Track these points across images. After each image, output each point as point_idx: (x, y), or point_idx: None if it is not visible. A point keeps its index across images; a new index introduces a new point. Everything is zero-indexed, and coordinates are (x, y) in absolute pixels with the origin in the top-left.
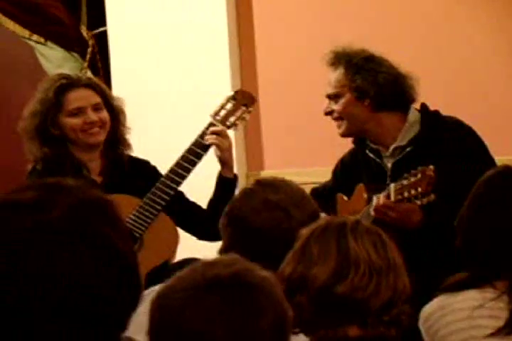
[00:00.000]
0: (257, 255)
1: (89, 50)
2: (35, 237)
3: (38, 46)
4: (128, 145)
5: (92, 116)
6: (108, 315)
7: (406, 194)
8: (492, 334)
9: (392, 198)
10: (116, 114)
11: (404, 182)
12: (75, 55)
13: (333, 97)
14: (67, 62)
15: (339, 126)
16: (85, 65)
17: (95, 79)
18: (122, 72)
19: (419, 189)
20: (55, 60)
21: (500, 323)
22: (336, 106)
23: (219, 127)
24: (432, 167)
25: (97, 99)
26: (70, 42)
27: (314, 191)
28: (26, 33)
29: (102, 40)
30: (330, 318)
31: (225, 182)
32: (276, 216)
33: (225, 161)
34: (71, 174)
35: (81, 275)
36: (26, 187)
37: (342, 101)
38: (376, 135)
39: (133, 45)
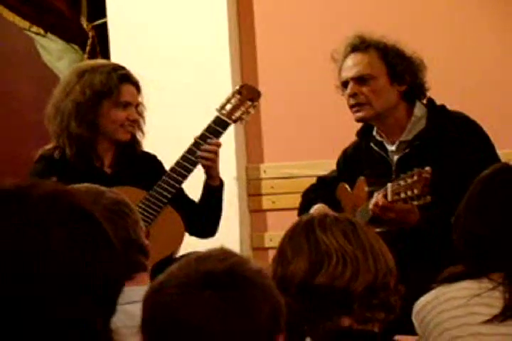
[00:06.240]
0: None
1: (89, 41)
2: (23, 219)
3: (38, 38)
4: (139, 143)
5: (135, 114)
6: (105, 288)
7: (402, 195)
8: (487, 321)
9: (389, 198)
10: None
11: (401, 182)
12: (75, 46)
13: (364, 79)
14: (67, 53)
15: (359, 110)
16: (85, 56)
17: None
18: (122, 63)
19: (415, 191)
20: (55, 52)
21: (496, 311)
22: (367, 88)
23: (213, 141)
24: (428, 169)
25: (139, 99)
26: (70, 34)
27: (321, 180)
28: (26, 24)
29: (102, 31)
30: (318, 312)
31: (211, 190)
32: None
33: (211, 172)
34: (83, 163)
35: (76, 251)
36: None
37: (377, 82)
38: (389, 125)
39: (133, 36)
